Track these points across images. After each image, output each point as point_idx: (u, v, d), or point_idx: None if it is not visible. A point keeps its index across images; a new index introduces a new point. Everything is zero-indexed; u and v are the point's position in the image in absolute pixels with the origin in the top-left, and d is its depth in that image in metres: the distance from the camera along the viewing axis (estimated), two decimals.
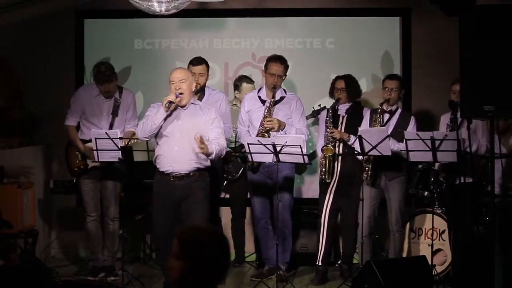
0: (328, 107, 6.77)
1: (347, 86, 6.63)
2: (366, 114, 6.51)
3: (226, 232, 7.18)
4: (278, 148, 5.94)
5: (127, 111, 6.65)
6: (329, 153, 6.47)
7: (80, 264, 7.00)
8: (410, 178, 6.54)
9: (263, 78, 6.66)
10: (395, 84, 6.36)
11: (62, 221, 7.63)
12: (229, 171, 6.95)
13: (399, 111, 6.42)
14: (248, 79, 7.17)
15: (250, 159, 6.25)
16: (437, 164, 6.36)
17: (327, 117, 6.61)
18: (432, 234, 6.25)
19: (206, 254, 2.78)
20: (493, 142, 5.36)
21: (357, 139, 6.07)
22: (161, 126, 5.75)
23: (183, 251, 2.80)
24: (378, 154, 6.04)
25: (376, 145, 5.99)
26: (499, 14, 5.11)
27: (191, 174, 5.76)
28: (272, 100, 6.46)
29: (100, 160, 6.22)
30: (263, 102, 6.53)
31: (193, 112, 5.79)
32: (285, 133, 6.33)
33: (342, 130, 6.54)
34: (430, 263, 5.98)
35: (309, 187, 7.40)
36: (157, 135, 5.82)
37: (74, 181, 6.73)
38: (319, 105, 7.11)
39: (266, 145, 5.96)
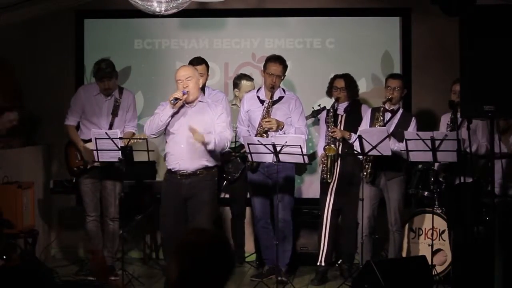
0: (328, 107, 6.77)
1: (347, 85, 6.64)
2: (367, 112, 6.52)
3: (226, 232, 7.19)
4: (278, 148, 5.94)
5: (127, 111, 6.65)
6: (332, 152, 6.47)
7: (80, 264, 7.00)
8: (410, 178, 6.54)
9: (262, 78, 6.66)
10: (397, 83, 6.37)
11: (62, 221, 7.63)
12: (229, 171, 6.94)
13: (400, 111, 6.42)
14: (248, 77, 7.17)
15: (250, 159, 6.25)
16: (436, 164, 6.36)
17: (327, 116, 6.61)
18: (432, 234, 6.25)
19: (204, 258, 2.74)
20: (493, 142, 5.36)
21: (357, 139, 6.08)
22: (169, 124, 5.75)
23: (181, 253, 2.78)
24: (378, 154, 6.04)
25: (376, 145, 5.99)
26: (499, 14, 5.11)
27: (198, 172, 5.75)
28: (270, 100, 6.46)
29: (100, 160, 6.23)
30: (262, 102, 6.53)
31: (200, 109, 5.78)
32: (284, 133, 6.32)
33: (342, 129, 6.55)
34: (430, 263, 5.98)
35: (309, 187, 7.40)
36: (166, 133, 5.83)
37: (74, 180, 6.73)
38: (319, 105, 7.10)
39: (266, 145, 5.96)
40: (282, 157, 5.99)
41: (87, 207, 6.62)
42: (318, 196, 6.72)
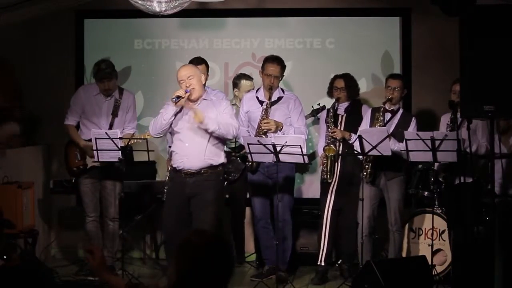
0: (327, 106, 6.77)
1: (347, 85, 6.64)
2: (367, 113, 6.52)
3: (226, 232, 7.18)
4: (278, 148, 5.94)
5: (127, 112, 6.65)
6: (331, 152, 6.47)
7: (80, 264, 7.00)
8: (410, 178, 6.54)
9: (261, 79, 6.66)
10: (398, 83, 6.37)
11: (62, 221, 7.63)
12: (229, 171, 6.94)
13: (400, 111, 6.42)
14: (247, 77, 7.16)
15: (250, 159, 6.25)
16: (436, 164, 6.36)
17: (327, 117, 6.61)
18: (432, 234, 6.25)
19: (204, 260, 2.74)
20: (493, 142, 5.36)
21: (357, 139, 6.08)
22: (173, 123, 5.73)
23: (181, 254, 2.77)
24: (378, 154, 6.04)
25: (376, 145, 5.99)
26: (499, 14, 5.11)
27: (203, 171, 5.72)
28: (268, 102, 6.45)
29: (100, 160, 6.23)
30: (261, 102, 6.53)
31: (205, 107, 5.74)
32: (283, 133, 6.32)
33: (342, 129, 6.55)
34: (430, 263, 5.98)
35: (309, 187, 7.40)
36: (171, 132, 5.81)
37: (73, 181, 6.73)
38: (318, 104, 7.10)
39: (266, 145, 5.96)
40: (282, 157, 5.99)
41: (87, 207, 6.62)
42: (318, 196, 6.72)
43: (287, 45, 7.50)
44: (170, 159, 6.33)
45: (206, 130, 5.65)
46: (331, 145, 6.49)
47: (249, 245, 7.32)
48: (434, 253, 6.22)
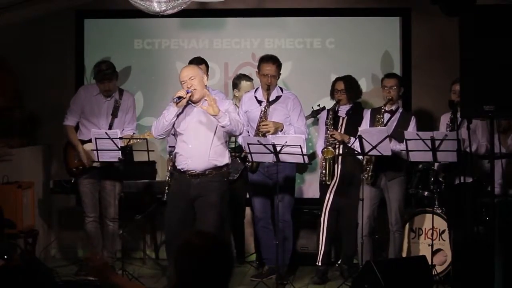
0: (327, 107, 6.77)
1: (346, 87, 6.63)
2: (366, 114, 6.51)
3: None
4: (278, 148, 5.93)
5: (126, 113, 6.64)
6: (329, 155, 6.46)
7: (80, 264, 6.99)
8: (410, 178, 6.54)
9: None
10: (393, 82, 6.37)
11: (62, 221, 7.63)
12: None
13: (400, 110, 6.42)
14: (247, 77, 7.15)
15: (250, 160, 6.25)
16: (436, 164, 6.36)
17: (327, 118, 6.61)
18: (432, 234, 6.25)
19: (203, 261, 2.74)
20: (493, 142, 5.36)
21: (357, 140, 6.07)
22: (176, 124, 5.69)
23: (181, 255, 2.78)
24: (378, 154, 6.04)
25: (376, 145, 5.98)
26: (499, 14, 5.11)
27: (207, 172, 5.68)
28: (267, 103, 6.45)
29: (100, 160, 6.23)
30: (259, 102, 6.53)
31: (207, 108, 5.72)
32: (284, 133, 6.32)
33: (342, 132, 6.54)
34: (430, 263, 5.98)
35: (309, 187, 7.40)
36: (174, 133, 5.79)
37: (73, 181, 6.73)
38: (318, 105, 7.10)
39: (266, 145, 5.96)
40: (282, 157, 5.98)
41: (86, 207, 6.61)
42: (318, 196, 6.71)
43: (287, 45, 7.50)
44: (170, 159, 6.32)
45: (216, 125, 5.58)
46: (329, 148, 6.48)
47: (249, 245, 7.32)
48: (434, 253, 6.22)
